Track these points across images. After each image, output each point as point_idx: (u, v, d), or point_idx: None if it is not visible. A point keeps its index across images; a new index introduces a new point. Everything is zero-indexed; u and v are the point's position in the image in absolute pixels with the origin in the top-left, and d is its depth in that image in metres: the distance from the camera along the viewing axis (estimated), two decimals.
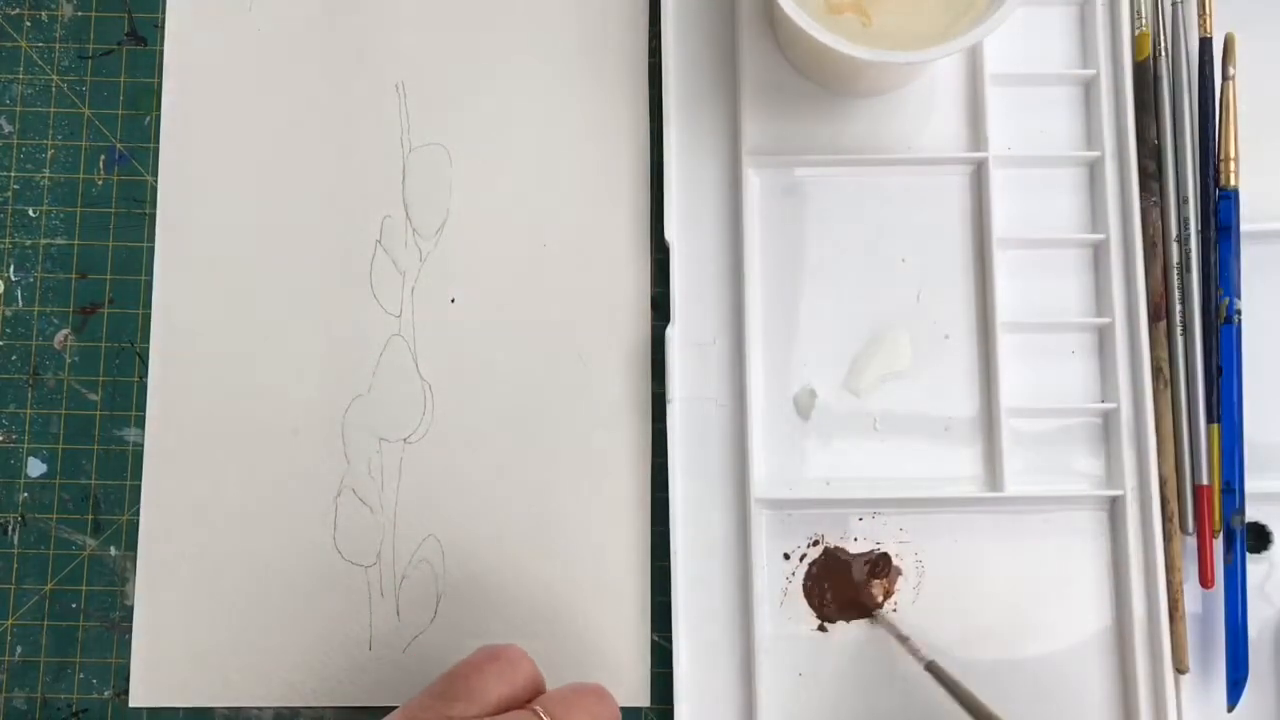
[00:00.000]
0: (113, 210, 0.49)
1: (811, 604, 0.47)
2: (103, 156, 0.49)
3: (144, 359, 0.48)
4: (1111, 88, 0.48)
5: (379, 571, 0.47)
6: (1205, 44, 0.48)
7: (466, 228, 0.49)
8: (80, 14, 0.50)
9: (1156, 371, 0.47)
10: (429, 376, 0.48)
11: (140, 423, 0.48)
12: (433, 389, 0.48)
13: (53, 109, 0.50)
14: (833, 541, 0.47)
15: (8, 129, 0.50)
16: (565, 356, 0.48)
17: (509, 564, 0.47)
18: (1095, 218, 0.48)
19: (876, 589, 0.47)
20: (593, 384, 0.48)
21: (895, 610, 0.47)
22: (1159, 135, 0.48)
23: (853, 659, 0.46)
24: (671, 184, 0.48)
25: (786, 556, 0.47)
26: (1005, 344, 0.47)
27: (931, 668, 0.44)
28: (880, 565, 0.47)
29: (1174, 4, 0.48)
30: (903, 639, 0.46)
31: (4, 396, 0.48)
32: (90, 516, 0.48)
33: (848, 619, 0.47)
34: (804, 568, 0.47)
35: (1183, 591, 0.45)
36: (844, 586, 0.47)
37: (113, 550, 0.47)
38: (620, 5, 0.50)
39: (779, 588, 0.47)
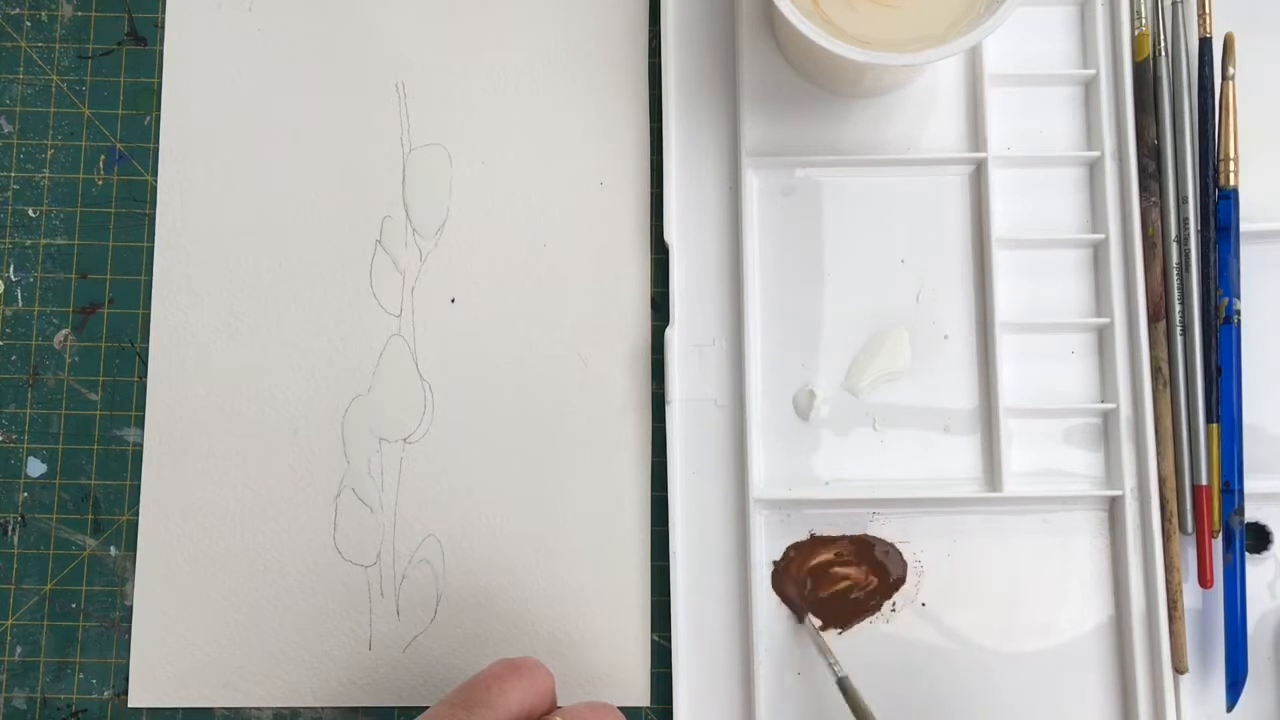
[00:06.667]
0: (113, 210, 0.49)
1: (810, 604, 0.47)
2: (103, 156, 0.49)
3: (144, 359, 0.48)
4: (1111, 88, 0.48)
5: (379, 571, 0.47)
6: (1205, 44, 0.48)
7: (466, 228, 0.49)
8: (80, 14, 0.50)
9: (1156, 371, 0.47)
10: (429, 376, 0.48)
11: (140, 423, 0.48)
12: (433, 389, 0.48)
13: (53, 109, 0.50)
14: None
15: (8, 129, 0.50)
16: (565, 356, 0.48)
17: (509, 564, 0.47)
18: (1095, 218, 0.48)
19: (876, 589, 0.47)
20: (593, 384, 0.48)
21: (894, 610, 0.47)
22: (1159, 135, 0.48)
23: (852, 659, 0.46)
24: (671, 184, 0.48)
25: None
26: (1004, 344, 0.47)
27: (843, 684, 0.44)
28: (879, 565, 0.47)
29: (1174, 4, 0.48)
30: (821, 649, 0.45)
31: (4, 396, 0.48)
32: (90, 516, 0.48)
33: (845, 621, 0.47)
34: (801, 568, 0.47)
35: (1182, 591, 0.45)
36: (842, 587, 0.47)
37: (113, 550, 0.48)
38: (620, 5, 0.50)
39: None
